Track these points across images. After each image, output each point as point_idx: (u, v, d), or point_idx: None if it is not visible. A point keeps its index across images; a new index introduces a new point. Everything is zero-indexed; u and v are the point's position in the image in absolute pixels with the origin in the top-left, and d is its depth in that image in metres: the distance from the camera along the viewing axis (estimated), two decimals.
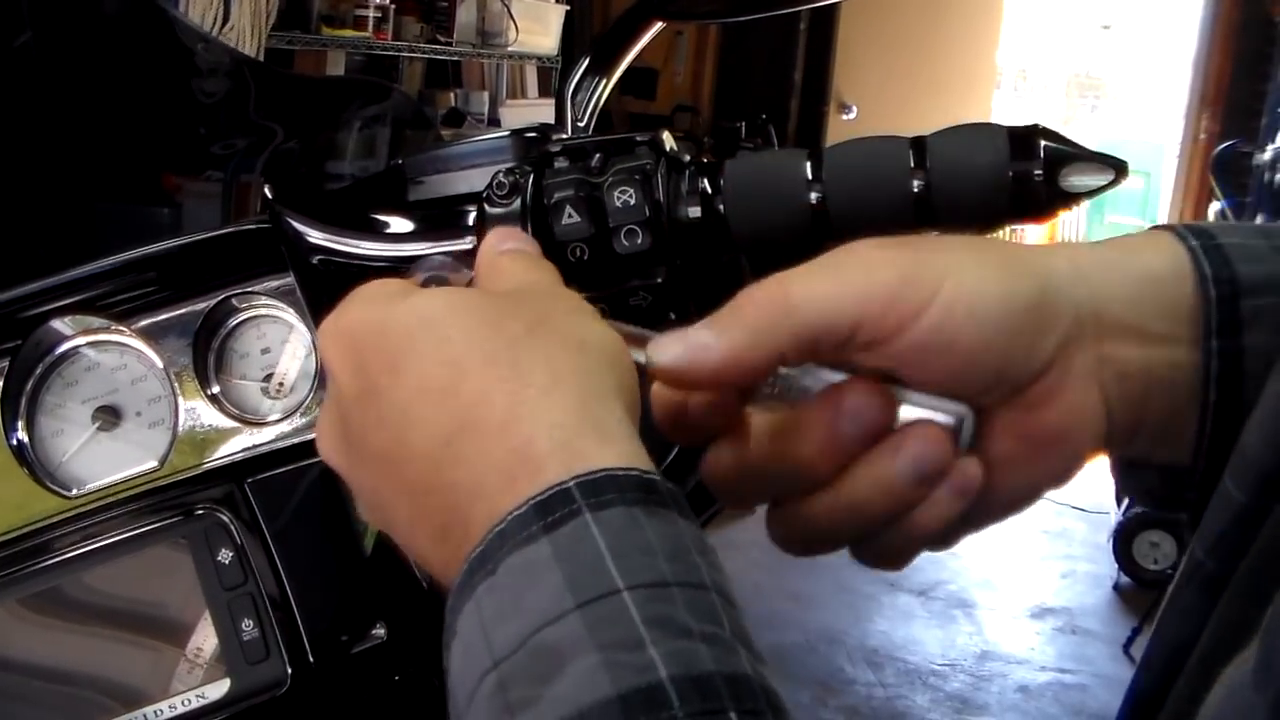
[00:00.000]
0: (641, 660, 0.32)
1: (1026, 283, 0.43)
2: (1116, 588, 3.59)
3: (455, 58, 4.35)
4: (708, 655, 0.33)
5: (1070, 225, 8.48)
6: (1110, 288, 0.44)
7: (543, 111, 4.47)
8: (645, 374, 0.43)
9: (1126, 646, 3.18)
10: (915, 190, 0.58)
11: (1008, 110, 9.46)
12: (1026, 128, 0.57)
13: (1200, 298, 0.44)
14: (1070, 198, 0.56)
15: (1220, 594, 0.39)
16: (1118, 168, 0.55)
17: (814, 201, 0.59)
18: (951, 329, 0.42)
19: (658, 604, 0.33)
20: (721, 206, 0.62)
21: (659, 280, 0.63)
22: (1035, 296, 0.43)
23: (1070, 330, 0.44)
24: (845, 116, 5.34)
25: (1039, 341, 0.43)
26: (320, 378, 0.71)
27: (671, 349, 0.43)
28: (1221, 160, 4.50)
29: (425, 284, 0.49)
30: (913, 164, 0.58)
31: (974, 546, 3.71)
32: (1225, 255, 0.45)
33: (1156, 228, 0.47)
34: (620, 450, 0.37)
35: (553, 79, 4.70)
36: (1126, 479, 0.50)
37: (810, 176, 0.60)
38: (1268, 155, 4.00)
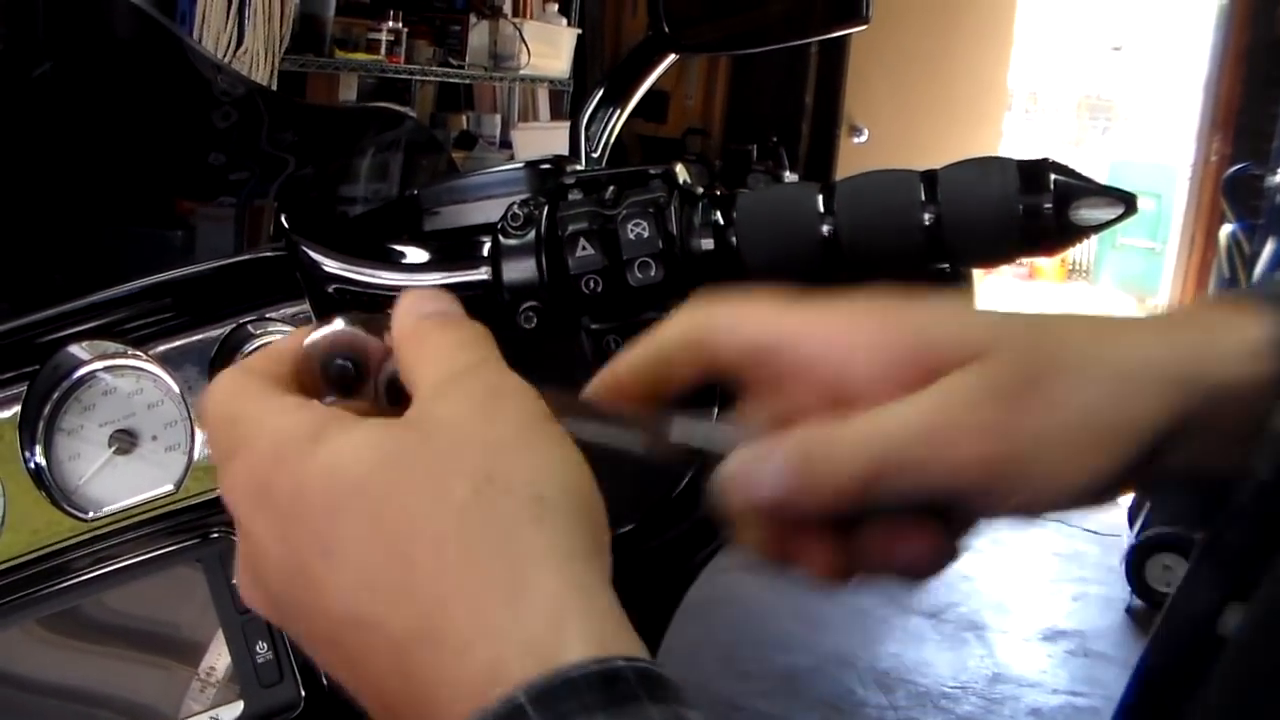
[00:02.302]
0: None
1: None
2: (1129, 610, 3.57)
3: (467, 81, 4.36)
4: None
5: (1082, 247, 8.47)
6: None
7: (554, 134, 4.48)
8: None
9: None
10: (926, 223, 0.58)
11: (1019, 133, 9.46)
12: (1036, 161, 0.57)
13: None
14: (1080, 231, 0.56)
15: (1238, 567, 0.39)
16: (1127, 201, 0.55)
17: (825, 234, 0.60)
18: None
19: None
20: (734, 239, 0.62)
21: (671, 312, 0.63)
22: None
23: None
24: (856, 139, 5.34)
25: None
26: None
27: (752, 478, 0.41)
28: (1233, 182, 4.50)
29: (330, 370, 0.41)
30: (923, 197, 0.58)
31: (986, 569, 3.70)
32: None
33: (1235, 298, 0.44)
34: (597, 642, 0.33)
35: (564, 102, 4.72)
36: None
37: (822, 209, 0.60)
38: (1279, 177, 4.00)
